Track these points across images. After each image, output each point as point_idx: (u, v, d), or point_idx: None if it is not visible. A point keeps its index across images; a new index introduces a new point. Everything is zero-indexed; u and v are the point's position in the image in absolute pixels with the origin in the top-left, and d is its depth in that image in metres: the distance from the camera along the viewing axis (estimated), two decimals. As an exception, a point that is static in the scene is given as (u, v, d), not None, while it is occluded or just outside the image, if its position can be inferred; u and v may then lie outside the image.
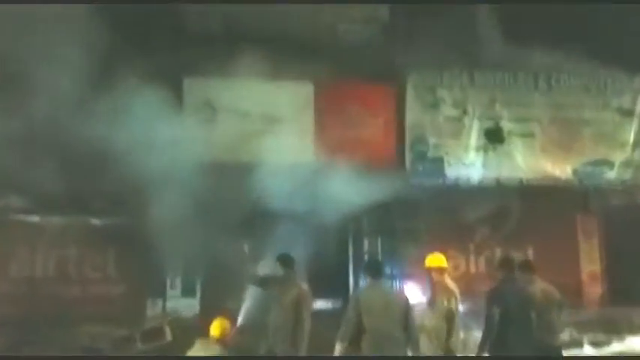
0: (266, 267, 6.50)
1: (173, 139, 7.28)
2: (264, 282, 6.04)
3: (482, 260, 8.64)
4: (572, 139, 8.54)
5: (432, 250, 6.51)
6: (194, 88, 7.78)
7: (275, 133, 7.89)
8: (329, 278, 7.93)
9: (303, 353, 5.16)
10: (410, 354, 4.74)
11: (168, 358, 6.90)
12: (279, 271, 5.65)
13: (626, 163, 8.60)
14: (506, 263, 6.07)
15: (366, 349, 4.66)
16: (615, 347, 7.68)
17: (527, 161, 8.44)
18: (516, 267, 5.90)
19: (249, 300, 7.22)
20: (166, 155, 7.05)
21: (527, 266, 5.96)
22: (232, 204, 7.03)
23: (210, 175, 7.03)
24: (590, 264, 8.82)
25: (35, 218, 7.88)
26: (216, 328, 4.79)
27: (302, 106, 7.99)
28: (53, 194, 7.42)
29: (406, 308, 4.84)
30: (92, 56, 6.70)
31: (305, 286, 5.52)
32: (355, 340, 4.67)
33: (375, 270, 5.46)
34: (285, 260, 5.62)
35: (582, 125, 8.57)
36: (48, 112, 6.53)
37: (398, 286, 8.11)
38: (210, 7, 8.06)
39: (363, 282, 6.73)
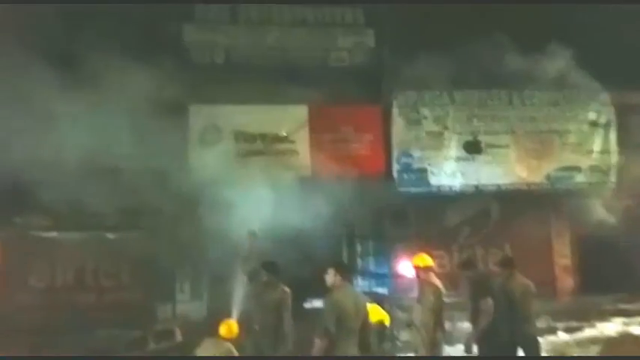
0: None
1: (180, 159, 7.84)
2: (252, 275, 6.26)
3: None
4: (544, 149, 9.03)
5: (419, 251, 6.96)
6: (199, 114, 8.19)
7: (274, 152, 8.43)
8: (324, 278, 8.49)
9: (289, 349, 5.33)
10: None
11: (170, 359, 7.09)
12: (264, 276, 5.78)
13: (593, 168, 9.10)
14: (468, 263, 6.29)
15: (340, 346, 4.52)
16: (587, 333, 7.98)
17: (504, 169, 8.93)
18: (498, 263, 6.14)
19: (238, 291, 7.36)
20: (175, 173, 7.42)
21: (508, 262, 6.11)
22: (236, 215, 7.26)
23: (216, 190, 7.31)
24: (562, 259, 9.35)
25: (53, 234, 8.21)
26: (224, 328, 4.90)
27: (298, 126, 8.49)
28: (70, 212, 7.88)
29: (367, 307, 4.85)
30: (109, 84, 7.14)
31: (287, 288, 5.64)
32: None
33: (343, 272, 5.87)
34: (270, 267, 5.76)
35: (553, 136, 9.07)
36: (68, 137, 6.88)
37: (389, 285, 8.60)
38: (213, 40, 8.53)
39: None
